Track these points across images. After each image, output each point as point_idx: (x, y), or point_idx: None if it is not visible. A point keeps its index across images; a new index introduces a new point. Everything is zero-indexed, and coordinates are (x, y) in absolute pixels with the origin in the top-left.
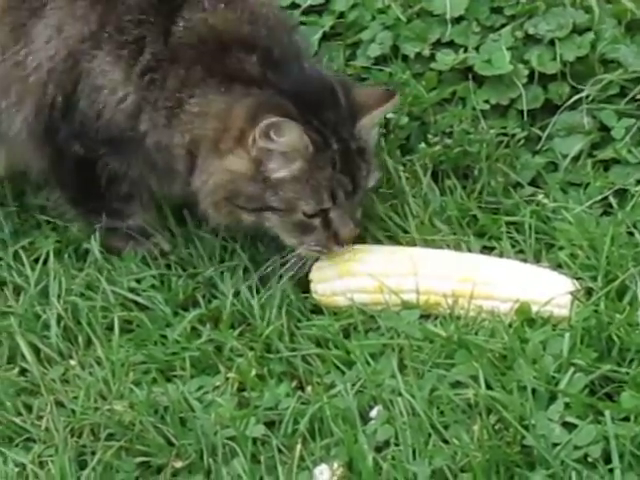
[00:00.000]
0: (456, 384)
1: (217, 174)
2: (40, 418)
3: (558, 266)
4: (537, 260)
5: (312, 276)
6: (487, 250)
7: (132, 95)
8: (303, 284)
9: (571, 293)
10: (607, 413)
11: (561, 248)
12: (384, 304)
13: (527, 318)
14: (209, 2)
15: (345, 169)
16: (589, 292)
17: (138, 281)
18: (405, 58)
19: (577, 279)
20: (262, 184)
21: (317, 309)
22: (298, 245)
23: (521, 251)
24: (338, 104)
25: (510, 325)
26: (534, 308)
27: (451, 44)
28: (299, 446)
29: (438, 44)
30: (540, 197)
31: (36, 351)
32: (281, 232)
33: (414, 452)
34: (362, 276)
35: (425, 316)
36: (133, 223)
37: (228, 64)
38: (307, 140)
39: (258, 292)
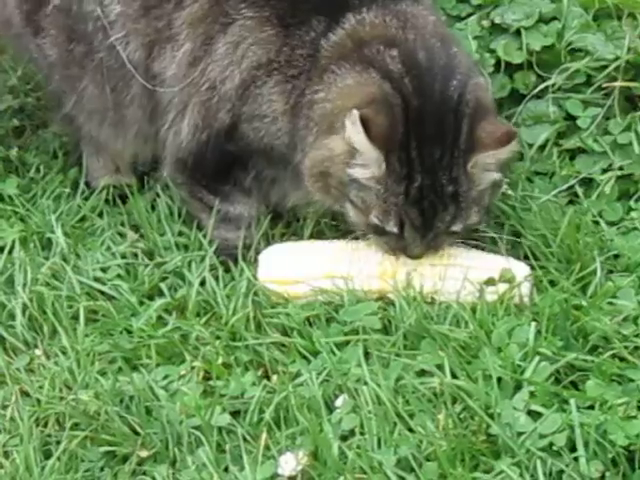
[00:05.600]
0: (421, 373)
1: (322, 149)
2: (5, 408)
3: (526, 257)
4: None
5: (260, 265)
6: None
7: (287, 125)
8: None
9: (527, 278)
10: (572, 401)
11: (526, 237)
12: (336, 292)
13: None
14: (366, 15)
15: (421, 205)
16: (554, 281)
17: (104, 270)
18: None
19: (542, 268)
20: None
21: (282, 297)
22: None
23: (489, 240)
24: (456, 138)
25: (474, 311)
26: (494, 297)
27: None
28: (264, 435)
29: None
30: (505, 187)
31: (1, 340)
32: (357, 225)
33: (379, 441)
34: (312, 264)
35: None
36: (233, 210)
37: (366, 52)
38: (379, 157)
39: (224, 281)
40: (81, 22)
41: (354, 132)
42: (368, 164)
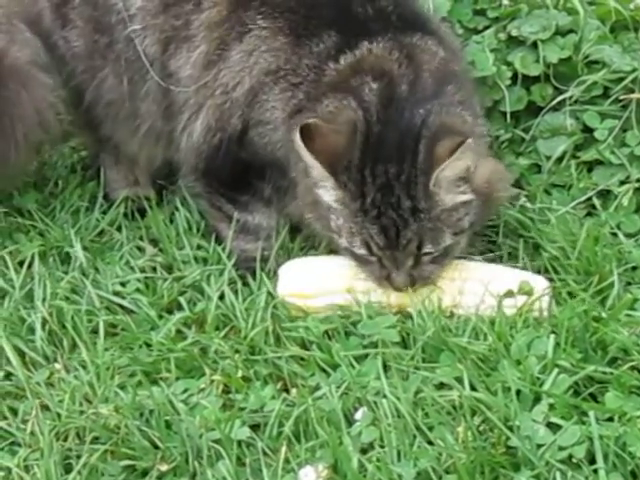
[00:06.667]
0: (440, 386)
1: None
2: (25, 422)
3: (545, 269)
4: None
5: (280, 279)
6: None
7: (284, 138)
8: None
9: (546, 291)
10: (591, 414)
11: (545, 249)
12: (354, 306)
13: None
14: (376, 45)
15: (380, 222)
16: (572, 293)
17: (123, 284)
18: None
19: (560, 280)
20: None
21: (302, 311)
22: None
23: (506, 254)
24: (414, 158)
25: (493, 323)
26: (513, 310)
27: None
28: (284, 448)
29: None
30: (523, 199)
31: (21, 355)
32: (342, 253)
33: (399, 454)
34: (331, 278)
35: (407, 316)
36: (252, 220)
37: (352, 82)
38: (323, 172)
39: (243, 295)
40: (106, 14)
41: (299, 145)
42: (322, 181)
